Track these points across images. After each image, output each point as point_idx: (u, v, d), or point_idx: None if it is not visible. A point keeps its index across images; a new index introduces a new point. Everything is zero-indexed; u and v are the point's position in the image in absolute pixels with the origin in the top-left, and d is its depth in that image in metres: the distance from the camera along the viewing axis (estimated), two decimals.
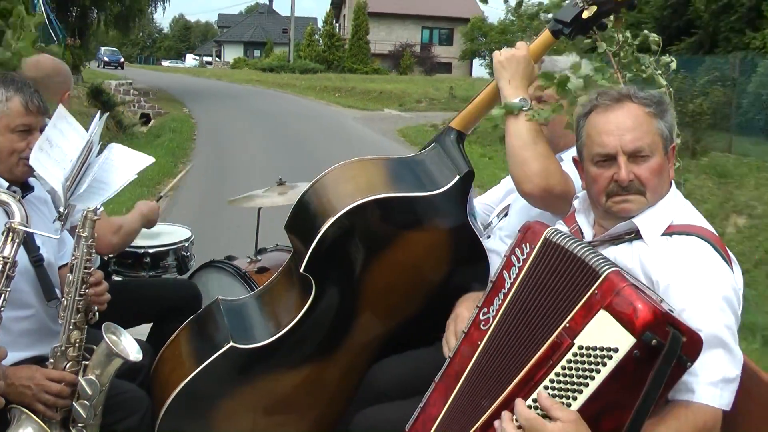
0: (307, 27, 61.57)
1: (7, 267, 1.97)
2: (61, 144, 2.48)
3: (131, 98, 28.33)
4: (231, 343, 2.80)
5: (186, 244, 4.31)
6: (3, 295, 1.95)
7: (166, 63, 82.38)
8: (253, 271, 4.06)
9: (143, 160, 2.77)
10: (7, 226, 1.98)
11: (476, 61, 36.77)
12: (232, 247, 4.93)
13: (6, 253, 1.97)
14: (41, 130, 2.69)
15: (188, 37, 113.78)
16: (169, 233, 4.22)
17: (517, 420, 1.91)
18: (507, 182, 3.30)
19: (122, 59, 54.45)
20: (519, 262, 2.17)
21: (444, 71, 52.06)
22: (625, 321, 1.81)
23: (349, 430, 2.69)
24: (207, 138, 19.54)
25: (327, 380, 2.97)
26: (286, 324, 2.80)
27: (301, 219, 2.86)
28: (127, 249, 3.83)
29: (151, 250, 4.15)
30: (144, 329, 3.73)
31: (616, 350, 1.82)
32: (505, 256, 2.25)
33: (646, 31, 2.90)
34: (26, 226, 1.99)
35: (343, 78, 42.96)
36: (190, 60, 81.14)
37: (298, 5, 63.91)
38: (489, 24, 43.87)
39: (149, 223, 3.63)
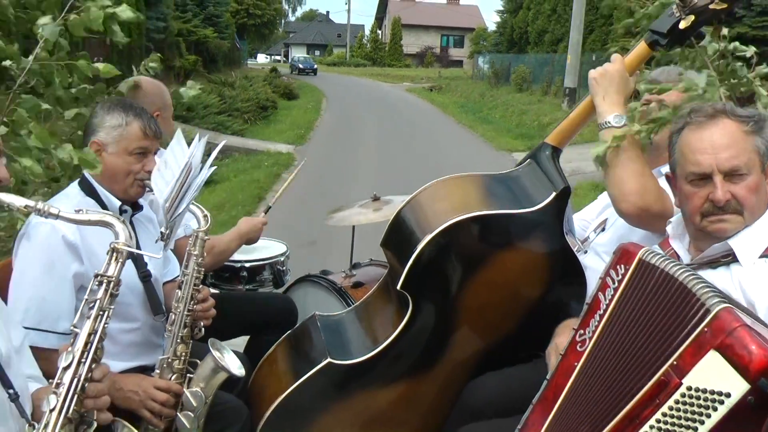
0: (358, 33, 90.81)
1: (111, 286, 2.07)
2: (172, 165, 2.64)
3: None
4: (328, 359, 2.90)
5: (282, 259, 4.43)
6: (107, 312, 2.06)
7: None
8: (349, 286, 4.15)
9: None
10: (112, 246, 2.09)
11: (480, 58, 48.33)
12: (327, 262, 5.03)
13: (110, 272, 2.07)
14: (155, 154, 2.90)
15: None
16: (265, 248, 4.35)
17: None
18: (604, 197, 3.28)
19: (316, 66, 58.84)
20: (614, 283, 2.17)
21: (457, 66, 72.84)
22: (739, 365, 1.74)
23: None
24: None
25: (423, 397, 3.03)
26: (383, 340, 2.87)
27: (397, 236, 2.94)
28: (224, 263, 3.98)
29: (247, 264, 4.29)
30: (240, 341, 3.88)
31: (728, 395, 1.75)
32: (600, 278, 2.25)
33: (736, 43, 2.85)
34: (130, 247, 2.10)
35: (383, 70, 68.91)
36: (262, 59, 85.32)
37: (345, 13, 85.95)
38: (488, 32, 58.53)
39: (249, 240, 3.81)
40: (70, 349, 1.98)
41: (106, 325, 2.04)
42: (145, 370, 2.85)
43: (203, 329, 2.89)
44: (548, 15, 35.27)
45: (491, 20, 56.88)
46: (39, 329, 2.57)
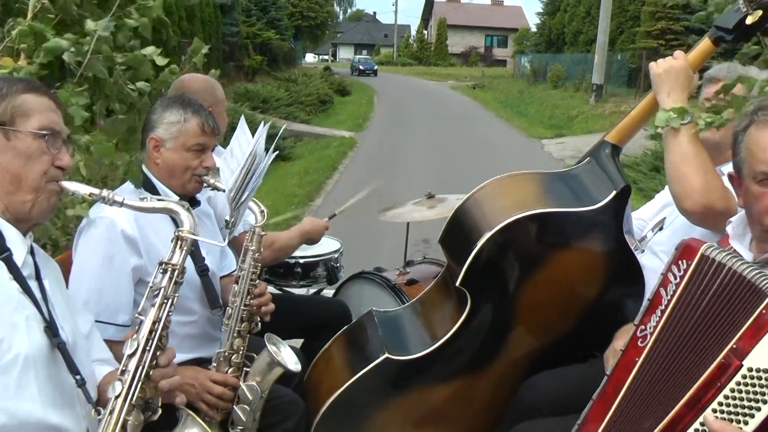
0: (404, 33, 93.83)
1: (176, 274, 2.08)
2: (237, 154, 2.66)
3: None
4: (386, 354, 2.91)
5: (336, 255, 4.45)
6: (171, 300, 2.07)
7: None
8: (403, 283, 4.14)
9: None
10: (176, 234, 2.10)
11: (523, 58, 49.90)
12: (380, 259, 5.04)
13: (174, 260, 2.08)
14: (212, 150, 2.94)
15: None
16: (319, 244, 4.36)
17: None
18: (662, 196, 3.26)
19: (376, 67, 59.96)
20: (676, 279, 2.14)
21: (501, 65, 72.79)
22: None
23: None
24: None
25: (477, 394, 3.03)
26: (441, 337, 2.88)
27: (456, 233, 2.94)
28: None
29: (302, 261, 4.32)
30: (293, 344, 3.87)
31: None
32: (662, 274, 2.22)
33: None
34: (194, 235, 2.11)
35: (429, 69, 71.30)
36: (310, 58, 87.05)
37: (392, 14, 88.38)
38: (531, 32, 58.07)
39: (311, 240, 3.87)
40: (135, 336, 2.00)
41: (170, 313, 2.05)
42: (202, 362, 2.88)
43: (260, 324, 2.90)
44: (582, 17, 36.77)
45: (534, 21, 56.59)
46: (98, 321, 2.60)
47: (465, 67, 75.50)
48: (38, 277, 2.03)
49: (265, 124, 2.74)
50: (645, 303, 2.25)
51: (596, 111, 24.86)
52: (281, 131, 2.98)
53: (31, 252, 2.04)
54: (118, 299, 2.64)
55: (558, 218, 2.76)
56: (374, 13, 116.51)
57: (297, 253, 4.23)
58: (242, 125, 2.77)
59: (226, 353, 2.78)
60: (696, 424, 1.92)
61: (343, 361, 3.14)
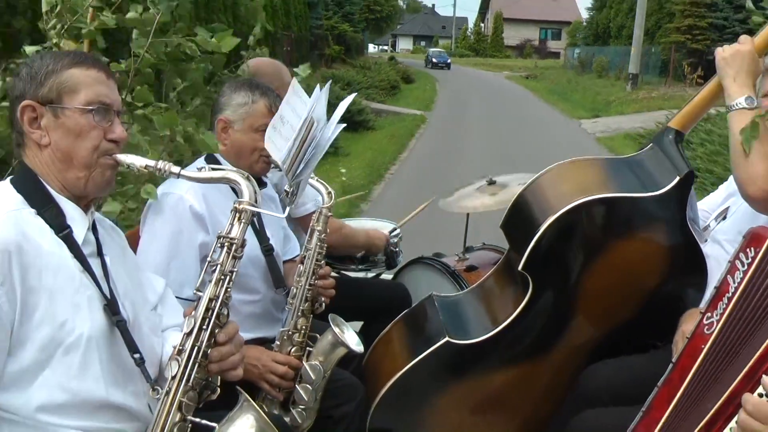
0: (462, 26, 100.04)
1: (234, 248, 2.06)
2: (291, 121, 2.66)
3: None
4: (447, 338, 2.92)
5: (395, 240, 4.43)
6: (230, 276, 2.06)
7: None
8: (462, 270, 4.14)
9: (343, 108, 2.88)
10: (235, 205, 2.09)
11: (576, 50, 52.82)
12: (438, 244, 5.03)
13: (233, 234, 2.06)
14: None
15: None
16: (378, 229, 4.36)
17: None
18: (726, 186, 3.22)
19: (449, 60, 60.95)
20: (743, 266, 2.14)
21: (555, 57, 75.77)
22: None
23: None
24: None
25: (538, 381, 3.04)
26: (502, 321, 2.88)
27: (518, 218, 2.94)
28: None
29: None
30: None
31: None
32: (729, 261, 2.21)
33: None
34: (254, 206, 2.08)
35: (485, 60, 75.84)
36: (371, 48, 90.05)
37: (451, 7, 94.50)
38: (584, 25, 59.57)
39: (372, 247, 3.95)
40: (192, 313, 2.01)
41: (229, 290, 2.05)
42: (264, 342, 2.92)
43: (323, 305, 2.93)
44: (626, 13, 39.68)
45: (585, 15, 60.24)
46: None
47: (519, 58, 79.86)
48: (100, 254, 2.04)
49: (321, 89, 2.73)
50: (711, 291, 2.24)
51: (630, 97, 28.27)
52: (351, 98, 2.91)
53: (93, 228, 2.06)
54: (185, 274, 2.68)
55: (621, 203, 2.75)
56: (433, 5, 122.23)
57: None
58: (296, 87, 2.76)
59: (290, 332, 2.81)
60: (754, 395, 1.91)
61: (402, 344, 3.15)
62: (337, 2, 38.19)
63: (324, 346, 2.77)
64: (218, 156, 2.92)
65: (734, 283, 2.14)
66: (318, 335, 2.83)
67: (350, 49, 39.04)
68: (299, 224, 3.42)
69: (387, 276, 4.52)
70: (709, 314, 2.21)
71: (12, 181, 1.96)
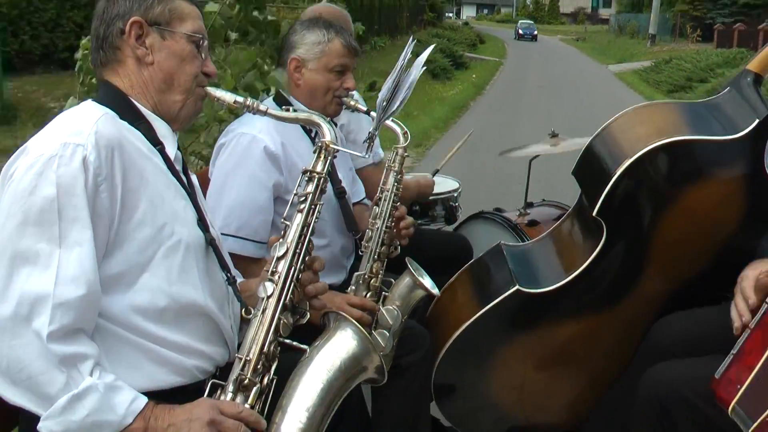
0: None
1: (321, 181, 2.13)
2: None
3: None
4: (517, 287, 2.88)
5: (455, 195, 4.42)
6: (317, 208, 2.13)
7: None
8: (524, 224, 4.11)
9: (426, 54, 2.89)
10: (319, 144, 2.13)
11: (625, 15, 61.36)
12: (497, 200, 5.01)
13: (319, 168, 2.12)
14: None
15: None
16: (438, 183, 4.35)
17: None
18: None
19: (536, 32, 63.77)
20: None
21: (605, 23, 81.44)
22: None
23: (639, 384, 2.64)
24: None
25: (608, 334, 2.99)
26: (575, 269, 2.84)
27: (592, 162, 2.89)
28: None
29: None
30: None
31: None
32: None
33: None
34: (336, 145, 2.15)
35: (543, 26, 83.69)
36: None
37: None
38: None
39: (421, 195, 3.89)
40: (281, 240, 2.05)
41: (317, 220, 2.11)
42: (330, 288, 2.88)
43: (399, 248, 2.91)
44: None
45: None
46: (238, 236, 2.66)
47: (573, 24, 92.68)
48: (186, 172, 2.09)
49: (412, 41, 2.74)
50: None
51: (649, 50, 38.90)
52: (432, 48, 3.00)
53: (179, 149, 2.10)
54: (260, 215, 2.69)
55: (699, 147, 2.71)
56: None
57: None
58: (409, 44, 2.75)
59: (366, 276, 2.75)
60: None
61: (469, 294, 3.12)
62: None
63: (401, 290, 2.74)
64: (288, 96, 2.90)
65: None
66: (393, 280, 2.80)
67: (439, 16, 52.16)
68: (361, 176, 3.41)
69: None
70: None
71: (97, 100, 1.98)
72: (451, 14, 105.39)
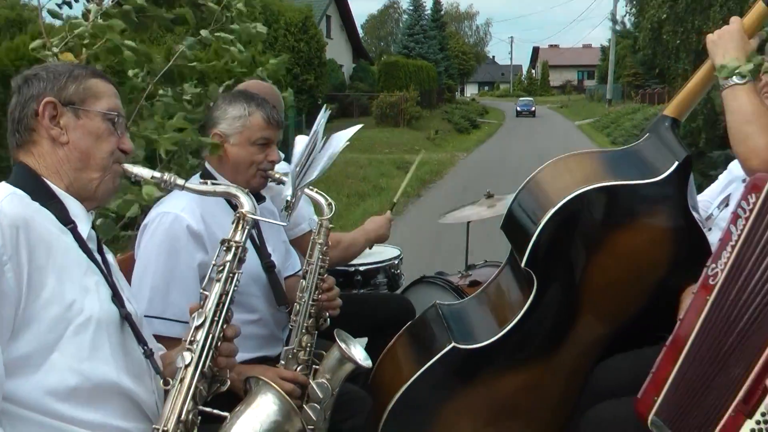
0: (517, 72, 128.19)
1: (239, 250, 2.12)
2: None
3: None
4: (453, 344, 2.91)
5: (396, 262, 4.45)
6: (236, 276, 2.11)
7: None
8: (465, 285, 4.14)
9: (352, 131, 2.91)
10: (237, 215, 2.13)
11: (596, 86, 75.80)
12: (439, 265, 5.04)
13: (237, 238, 2.12)
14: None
15: None
16: (379, 252, 4.37)
17: None
18: (725, 176, 3.25)
19: (534, 108, 64.35)
20: (745, 212, 2.15)
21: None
22: None
23: (580, 426, 2.66)
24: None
25: (550, 383, 3.02)
26: (508, 322, 2.87)
27: (519, 215, 2.95)
28: (338, 267, 4.04)
29: (362, 268, 4.33)
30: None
31: None
32: (731, 212, 2.23)
33: None
34: (254, 215, 2.15)
35: (535, 98, 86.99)
36: None
37: (508, 58, 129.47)
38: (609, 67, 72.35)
39: (380, 238, 3.80)
40: (200, 310, 2.04)
41: (236, 289, 2.10)
42: (267, 361, 2.87)
43: (328, 320, 2.90)
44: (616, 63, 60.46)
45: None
46: (163, 318, 2.62)
47: (562, 95, 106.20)
48: (101, 251, 2.08)
49: (325, 110, 2.77)
50: (716, 243, 2.25)
51: (605, 110, 47.15)
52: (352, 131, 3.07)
53: (94, 228, 2.09)
54: (185, 296, 2.63)
55: (621, 191, 2.77)
56: (493, 56, 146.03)
57: (356, 261, 4.22)
58: (322, 113, 2.78)
59: (295, 350, 2.74)
60: None
61: (409, 355, 3.14)
62: (445, 56, 64.19)
63: (331, 363, 2.71)
64: (213, 171, 2.90)
65: (737, 231, 2.16)
66: (324, 353, 2.78)
67: (450, 91, 63.70)
68: (295, 246, 3.39)
69: None
70: (713, 265, 2.22)
71: (10, 182, 1.98)
72: (456, 92, 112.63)
